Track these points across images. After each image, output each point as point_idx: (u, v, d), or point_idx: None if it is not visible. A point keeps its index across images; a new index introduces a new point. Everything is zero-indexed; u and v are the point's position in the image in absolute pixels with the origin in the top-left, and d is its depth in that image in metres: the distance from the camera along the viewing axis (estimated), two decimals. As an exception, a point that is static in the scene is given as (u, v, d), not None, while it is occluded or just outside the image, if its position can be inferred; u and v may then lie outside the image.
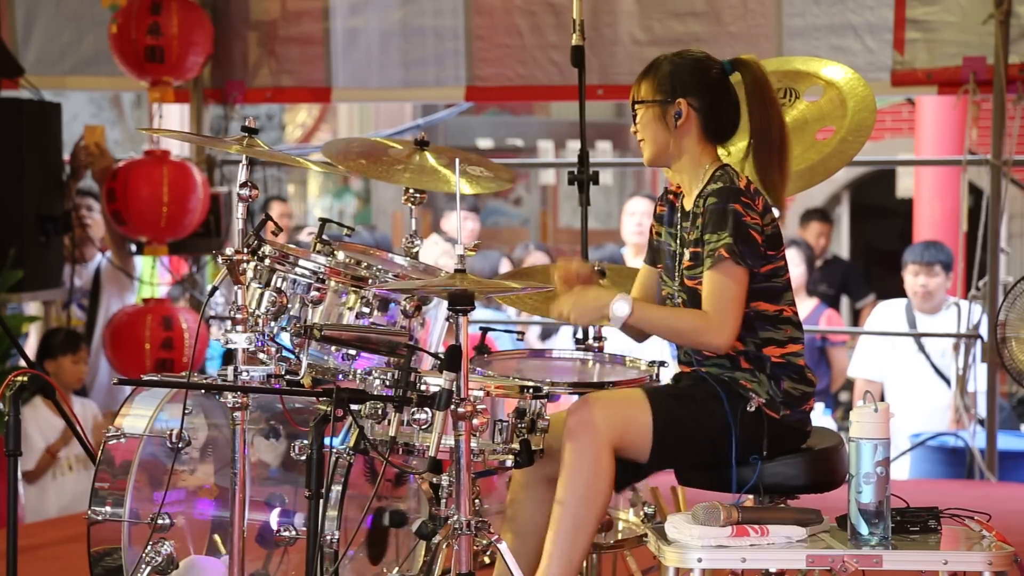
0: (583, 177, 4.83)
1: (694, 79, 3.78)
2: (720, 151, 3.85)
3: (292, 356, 3.73)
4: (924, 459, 7.39)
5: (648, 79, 3.81)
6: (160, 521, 3.82)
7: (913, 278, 7.50)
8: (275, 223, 3.91)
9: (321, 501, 3.40)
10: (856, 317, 9.53)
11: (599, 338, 4.41)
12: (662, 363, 4.20)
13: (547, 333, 8.22)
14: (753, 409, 3.70)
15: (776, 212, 3.80)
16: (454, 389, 3.45)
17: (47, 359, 6.84)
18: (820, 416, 7.68)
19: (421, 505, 4.03)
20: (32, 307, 7.65)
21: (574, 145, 14.94)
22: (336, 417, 3.41)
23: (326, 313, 3.80)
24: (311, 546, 3.39)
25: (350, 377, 3.78)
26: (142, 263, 7.96)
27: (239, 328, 3.67)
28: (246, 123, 3.80)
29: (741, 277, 3.66)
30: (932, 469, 7.34)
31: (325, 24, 7.92)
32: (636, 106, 3.83)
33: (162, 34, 7.41)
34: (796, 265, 7.85)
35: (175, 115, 8.48)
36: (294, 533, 3.85)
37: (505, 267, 8.59)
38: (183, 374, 3.95)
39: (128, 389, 4.03)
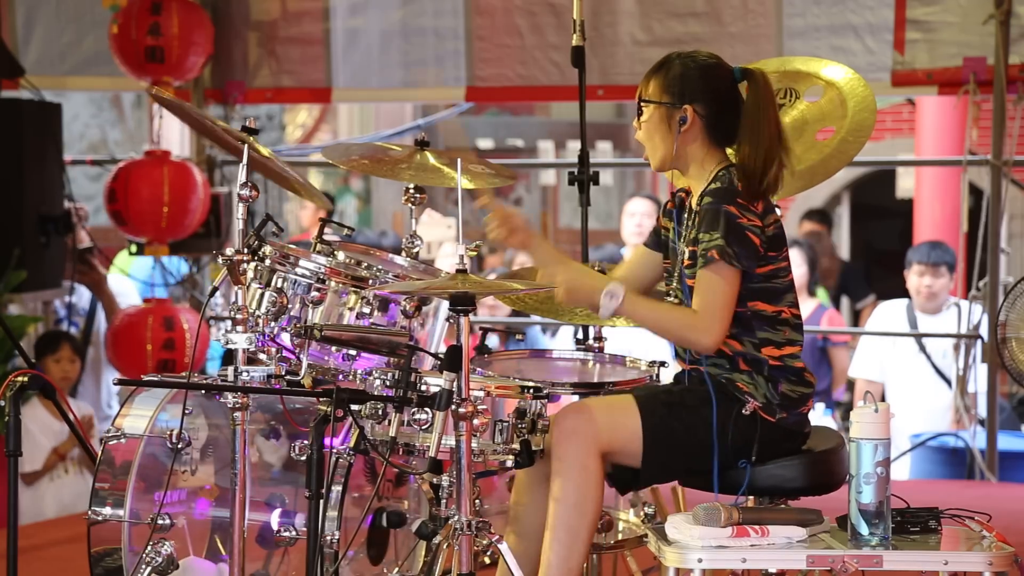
0: (583, 177, 4.83)
1: (703, 85, 3.74)
2: (728, 150, 3.82)
3: (292, 356, 3.73)
4: (924, 459, 7.39)
5: (657, 77, 3.76)
6: (160, 521, 3.82)
7: (918, 279, 7.50)
8: (276, 224, 3.91)
9: (321, 501, 3.40)
10: (856, 318, 9.53)
11: (599, 338, 4.41)
12: (662, 363, 4.20)
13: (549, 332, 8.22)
14: (748, 412, 3.69)
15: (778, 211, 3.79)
16: (454, 389, 3.45)
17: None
18: (821, 416, 7.68)
19: (421, 505, 4.03)
20: (32, 308, 7.65)
21: (574, 145, 14.95)
22: (336, 417, 3.41)
23: (326, 313, 3.80)
24: (311, 546, 3.39)
25: (350, 377, 3.78)
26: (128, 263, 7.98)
27: (239, 328, 3.67)
28: (246, 123, 3.80)
29: (732, 278, 3.63)
30: (932, 469, 7.34)
31: (325, 24, 7.92)
32: (642, 103, 3.79)
33: (162, 34, 7.41)
34: (798, 266, 7.84)
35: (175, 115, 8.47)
36: (294, 533, 3.85)
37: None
38: (183, 374, 3.95)
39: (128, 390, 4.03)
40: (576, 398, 3.91)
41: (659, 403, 3.71)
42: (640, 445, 3.67)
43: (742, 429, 3.68)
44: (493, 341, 5.97)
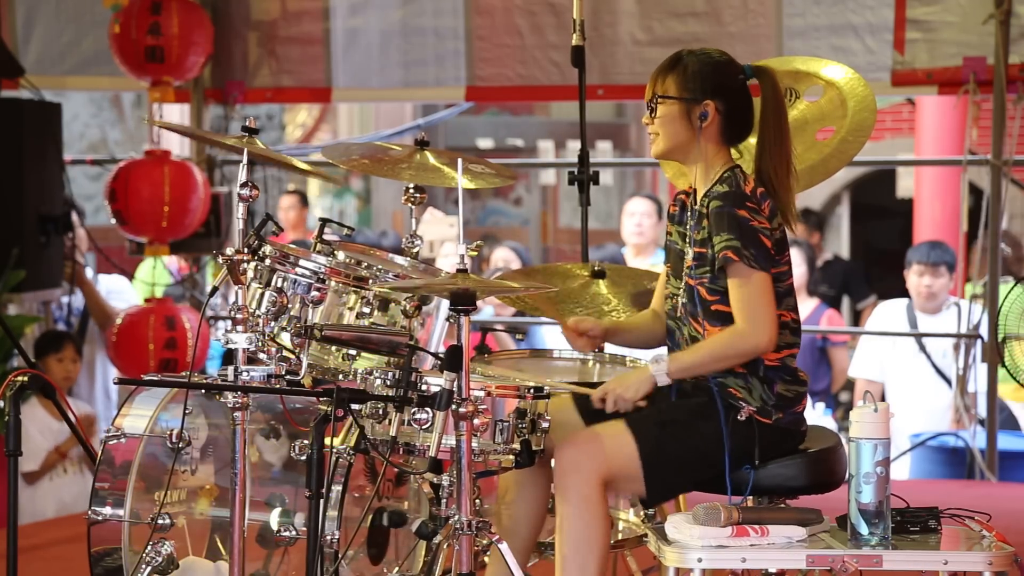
0: (583, 177, 4.84)
1: (720, 81, 3.74)
2: (732, 152, 3.83)
3: (292, 356, 3.73)
4: (924, 459, 7.39)
5: (674, 74, 3.74)
6: (160, 521, 3.82)
7: (918, 278, 7.50)
8: (276, 223, 3.91)
9: (321, 501, 3.40)
10: (857, 318, 9.53)
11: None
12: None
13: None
14: (744, 418, 3.68)
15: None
16: (455, 389, 3.45)
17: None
18: (821, 416, 7.68)
19: (421, 505, 4.03)
20: (29, 307, 7.66)
21: (574, 145, 14.94)
22: (336, 417, 3.41)
23: (326, 313, 3.80)
24: (311, 546, 3.39)
25: (350, 377, 3.78)
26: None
27: (239, 328, 3.67)
28: (246, 123, 3.80)
29: (757, 279, 3.63)
30: (932, 469, 7.34)
31: (325, 24, 7.92)
32: (658, 100, 3.77)
33: (162, 34, 7.41)
34: (797, 265, 7.81)
35: (175, 115, 8.49)
36: (294, 533, 3.84)
37: None
38: (183, 374, 3.94)
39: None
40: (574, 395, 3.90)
41: (651, 424, 3.69)
42: (639, 469, 3.66)
43: (738, 435, 3.67)
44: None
